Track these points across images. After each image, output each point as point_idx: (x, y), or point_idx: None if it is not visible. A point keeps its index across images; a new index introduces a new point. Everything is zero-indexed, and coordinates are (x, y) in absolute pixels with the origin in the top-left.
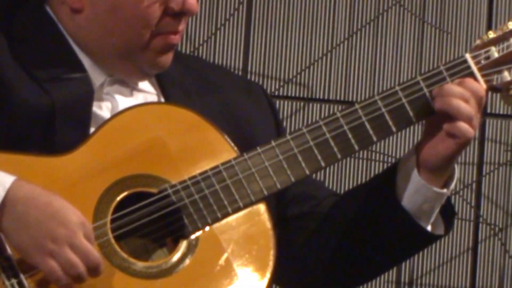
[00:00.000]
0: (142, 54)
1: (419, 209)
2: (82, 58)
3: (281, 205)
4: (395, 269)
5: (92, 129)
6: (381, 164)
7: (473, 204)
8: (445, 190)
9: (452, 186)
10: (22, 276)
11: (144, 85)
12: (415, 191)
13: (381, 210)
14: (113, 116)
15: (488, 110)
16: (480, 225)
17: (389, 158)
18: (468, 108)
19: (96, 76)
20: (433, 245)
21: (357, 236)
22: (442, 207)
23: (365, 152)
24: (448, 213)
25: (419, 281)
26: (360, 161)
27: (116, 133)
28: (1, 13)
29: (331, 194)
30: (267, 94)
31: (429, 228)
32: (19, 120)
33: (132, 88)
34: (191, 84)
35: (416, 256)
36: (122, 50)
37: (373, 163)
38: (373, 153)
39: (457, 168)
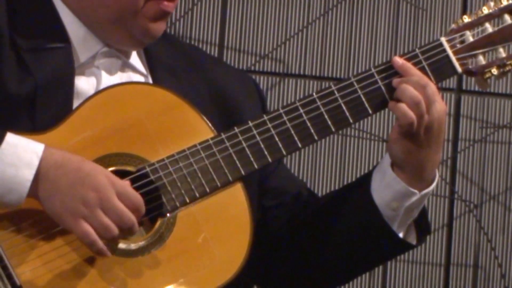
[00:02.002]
0: (134, 19)
1: (388, 205)
2: (77, 27)
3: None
4: None
5: (75, 102)
6: (368, 141)
7: (448, 180)
8: (415, 190)
9: (428, 191)
10: (11, 269)
11: (136, 62)
12: (386, 185)
13: (353, 202)
14: (94, 95)
15: (464, 87)
16: (455, 201)
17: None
18: (414, 92)
19: (90, 46)
20: None
21: (327, 224)
22: (418, 222)
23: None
24: (422, 228)
25: None
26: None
27: (95, 112)
28: None
29: (309, 193)
30: (259, 89)
31: (400, 235)
32: (1, 102)
33: (123, 63)
34: (181, 66)
35: None
36: (115, 15)
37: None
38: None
39: None
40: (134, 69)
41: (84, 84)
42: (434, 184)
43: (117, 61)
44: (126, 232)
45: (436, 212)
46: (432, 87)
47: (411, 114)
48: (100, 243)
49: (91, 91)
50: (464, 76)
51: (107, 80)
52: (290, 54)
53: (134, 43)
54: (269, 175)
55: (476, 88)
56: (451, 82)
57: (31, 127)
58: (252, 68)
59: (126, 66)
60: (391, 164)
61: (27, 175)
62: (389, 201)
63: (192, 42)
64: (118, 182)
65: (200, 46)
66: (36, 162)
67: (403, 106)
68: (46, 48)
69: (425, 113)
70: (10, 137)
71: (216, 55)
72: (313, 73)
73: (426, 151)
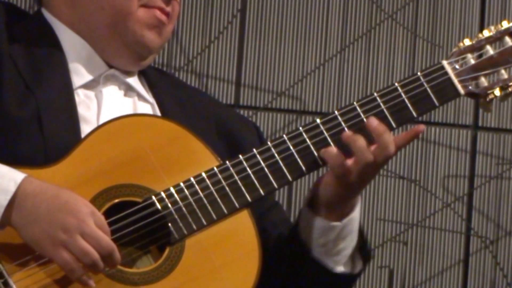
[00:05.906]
0: (128, 24)
1: (316, 242)
2: (81, 46)
3: None
4: (386, 280)
5: (81, 127)
6: None
7: (464, 216)
8: (336, 223)
9: (349, 218)
10: (9, 279)
11: (141, 89)
12: (307, 224)
13: (287, 244)
14: (97, 128)
15: (480, 124)
16: (471, 237)
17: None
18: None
19: (94, 67)
20: (425, 257)
21: (273, 268)
22: (361, 249)
23: None
24: (365, 255)
25: None
26: None
27: (100, 144)
28: (7, 20)
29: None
30: (259, 130)
31: (341, 269)
32: (7, 129)
33: (127, 88)
34: (185, 97)
35: (407, 268)
36: (111, 19)
37: None
38: None
39: (448, 181)
40: (139, 96)
41: (85, 109)
42: (356, 210)
43: (121, 85)
44: (108, 258)
45: (452, 248)
46: (387, 137)
47: (344, 166)
48: (80, 272)
49: (93, 117)
50: (480, 113)
51: (110, 105)
52: (307, 91)
53: (130, 55)
54: (268, 210)
55: (492, 125)
56: (468, 119)
57: (43, 148)
58: (269, 105)
59: (131, 91)
60: (308, 202)
61: (2, 200)
62: (316, 238)
63: (209, 80)
64: (96, 212)
65: (217, 83)
66: (12, 189)
67: (336, 154)
68: (45, 70)
69: (372, 159)
70: None
71: (233, 92)
72: (330, 110)
73: (353, 194)
